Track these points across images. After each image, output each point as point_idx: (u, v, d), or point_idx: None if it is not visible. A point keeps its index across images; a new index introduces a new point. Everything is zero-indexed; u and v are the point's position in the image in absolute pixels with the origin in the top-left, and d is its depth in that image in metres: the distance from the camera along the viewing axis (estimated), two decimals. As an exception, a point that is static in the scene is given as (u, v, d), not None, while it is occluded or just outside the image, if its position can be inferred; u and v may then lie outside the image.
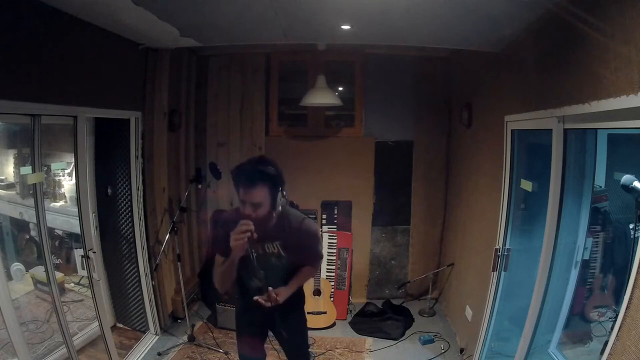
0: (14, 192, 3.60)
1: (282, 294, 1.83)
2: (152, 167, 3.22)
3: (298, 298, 2.03)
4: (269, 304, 1.78)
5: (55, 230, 3.61)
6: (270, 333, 2.15)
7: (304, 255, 1.94)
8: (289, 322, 1.96)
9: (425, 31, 2.49)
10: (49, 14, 2.06)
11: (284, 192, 1.76)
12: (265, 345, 2.20)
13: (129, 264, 3.26)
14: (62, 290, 3.37)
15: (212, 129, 4.00)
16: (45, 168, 3.30)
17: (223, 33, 2.76)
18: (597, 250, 2.35)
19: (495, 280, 2.57)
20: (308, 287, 3.50)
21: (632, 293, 1.33)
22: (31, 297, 3.36)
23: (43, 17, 2.03)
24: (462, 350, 3.13)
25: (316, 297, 3.59)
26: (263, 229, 1.70)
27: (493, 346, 2.71)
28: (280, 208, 1.78)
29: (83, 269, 2.86)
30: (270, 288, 1.77)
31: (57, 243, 3.68)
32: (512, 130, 2.49)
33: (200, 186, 3.80)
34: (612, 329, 1.43)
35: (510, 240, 2.55)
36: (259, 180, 1.63)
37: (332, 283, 3.81)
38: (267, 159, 1.76)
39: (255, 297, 1.77)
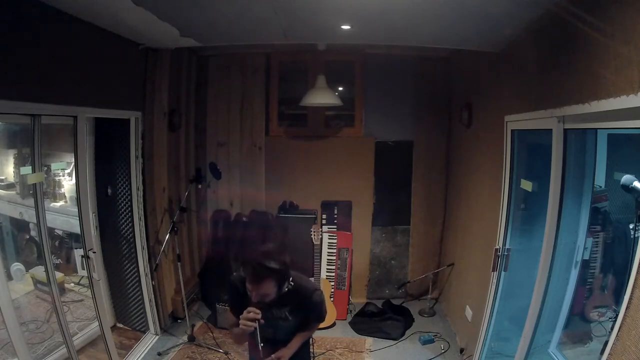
0: (14, 192, 3.60)
1: (284, 356, 1.89)
2: (152, 167, 3.22)
3: None
4: None
5: (55, 230, 3.61)
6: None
7: (309, 319, 2.00)
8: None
9: (425, 31, 2.49)
10: (49, 14, 2.05)
11: (291, 280, 1.78)
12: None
13: (129, 264, 3.26)
14: (62, 290, 3.37)
15: (212, 129, 4.00)
16: (45, 168, 3.30)
17: (223, 33, 2.76)
18: (597, 250, 2.35)
19: (495, 280, 2.57)
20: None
21: (632, 293, 1.33)
22: (31, 297, 3.36)
23: (43, 17, 2.03)
24: (462, 350, 3.13)
25: (316, 297, 3.59)
26: (271, 301, 1.73)
27: (493, 346, 2.71)
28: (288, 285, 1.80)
29: (83, 269, 2.86)
30: (272, 356, 1.85)
31: (57, 243, 3.68)
32: (512, 130, 2.49)
33: (200, 186, 3.81)
34: (612, 329, 1.43)
35: (510, 240, 2.55)
36: (266, 277, 1.65)
37: (332, 283, 3.81)
38: (272, 252, 1.74)
39: None
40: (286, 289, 1.77)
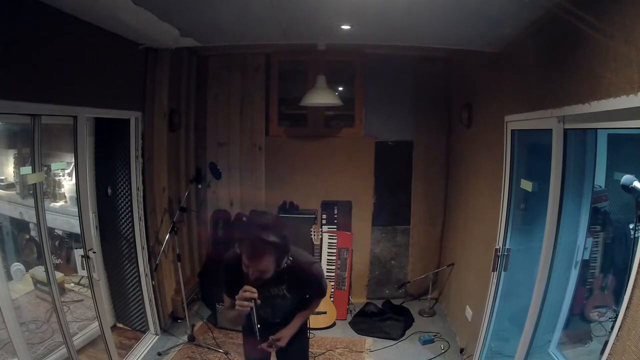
0: (14, 192, 3.60)
1: (285, 337, 1.83)
2: (152, 167, 3.22)
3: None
4: (271, 349, 1.80)
5: (55, 230, 3.61)
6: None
7: (309, 294, 1.95)
8: (292, 340, 1.95)
9: (425, 31, 2.49)
10: (49, 14, 2.05)
11: (289, 256, 1.68)
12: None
13: (129, 264, 3.26)
14: (62, 290, 3.37)
15: (212, 129, 4.00)
16: (45, 168, 3.30)
17: (223, 33, 2.76)
18: (597, 250, 2.35)
19: (495, 280, 2.57)
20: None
21: (632, 293, 1.33)
22: (31, 297, 3.36)
23: (43, 17, 2.03)
24: (462, 350, 3.13)
25: (316, 297, 3.59)
26: (269, 278, 1.65)
27: (493, 346, 2.71)
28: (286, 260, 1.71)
29: (83, 269, 2.86)
30: (270, 337, 1.79)
31: (57, 243, 3.68)
32: (512, 130, 2.49)
33: (200, 186, 3.81)
34: (612, 329, 1.43)
35: (510, 240, 2.55)
36: (265, 252, 1.56)
37: (332, 283, 3.81)
38: (271, 223, 1.63)
39: (259, 346, 1.78)
40: (285, 264, 1.66)
